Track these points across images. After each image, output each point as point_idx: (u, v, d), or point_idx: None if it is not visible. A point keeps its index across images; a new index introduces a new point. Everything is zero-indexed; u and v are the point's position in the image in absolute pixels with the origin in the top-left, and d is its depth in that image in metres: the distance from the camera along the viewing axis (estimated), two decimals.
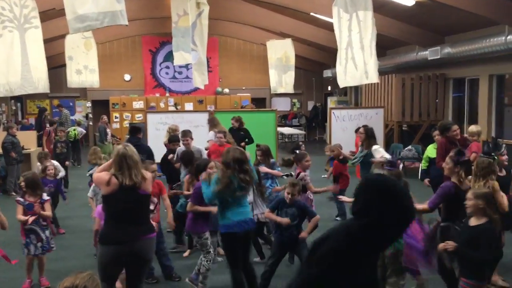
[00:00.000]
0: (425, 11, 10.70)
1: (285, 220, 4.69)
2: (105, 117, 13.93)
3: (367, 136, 7.19)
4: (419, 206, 4.26)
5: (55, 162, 8.20)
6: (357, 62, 8.90)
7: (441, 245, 3.81)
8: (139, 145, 7.68)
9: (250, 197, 5.06)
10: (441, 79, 12.97)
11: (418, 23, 12.07)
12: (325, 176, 8.90)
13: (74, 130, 14.79)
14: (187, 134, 7.38)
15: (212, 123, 8.85)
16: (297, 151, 6.14)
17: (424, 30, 12.36)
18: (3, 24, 7.63)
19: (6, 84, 7.74)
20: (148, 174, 4.06)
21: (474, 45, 10.27)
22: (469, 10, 9.23)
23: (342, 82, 9.06)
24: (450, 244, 3.75)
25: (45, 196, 5.42)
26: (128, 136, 8.65)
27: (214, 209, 4.89)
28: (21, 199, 5.33)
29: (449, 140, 6.42)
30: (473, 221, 3.78)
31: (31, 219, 5.20)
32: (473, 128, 6.80)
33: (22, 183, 5.46)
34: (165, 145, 8.47)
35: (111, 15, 5.28)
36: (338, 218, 7.74)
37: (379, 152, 6.96)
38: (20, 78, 7.75)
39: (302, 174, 5.90)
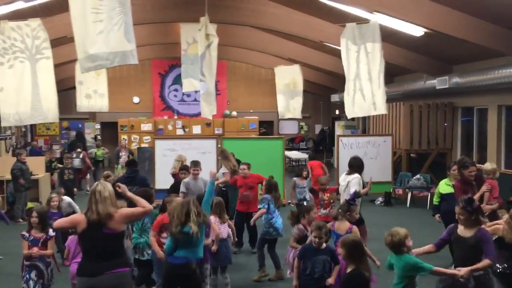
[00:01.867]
0: (433, 41, 10.73)
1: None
2: (122, 141, 14.13)
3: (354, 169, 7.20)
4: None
5: (68, 199, 8.07)
6: (365, 93, 8.92)
7: None
8: (134, 176, 7.89)
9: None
10: (449, 107, 12.94)
11: (426, 52, 12.09)
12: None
13: (99, 150, 15.02)
14: (197, 164, 7.50)
15: (224, 156, 8.86)
16: (304, 203, 6.01)
17: (432, 59, 12.38)
18: (14, 55, 7.75)
19: (15, 114, 7.83)
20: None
21: (482, 76, 10.25)
22: (476, 42, 9.24)
23: (350, 113, 9.06)
24: None
25: (51, 232, 5.36)
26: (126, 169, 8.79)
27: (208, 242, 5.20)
28: (26, 234, 5.28)
29: (464, 181, 6.34)
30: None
31: (35, 250, 5.15)
32: (488, 166, 6.77)
33: (35, 219, 5.30)
34: (173, 175, 8.49)
35: (121, 54, 5.34)
36: None
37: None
38: (30, 108, 7.84)
39: (299, 226, 5.61)
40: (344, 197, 6.87)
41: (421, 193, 12.16)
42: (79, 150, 13.72)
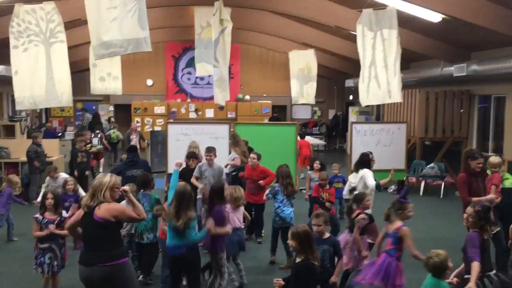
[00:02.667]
0: (452, 27, 10.51)
1: None
2: (133, 124, 14.14)
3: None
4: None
5: (64, 174, 8.35)
6: (380, 81, 8.80)
7: None
8: (136, 160, 7.87)
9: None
10: (466, 95, 12.73)
11: (444, 38, 11.86)
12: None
13: (114, 132, 15.07)
14: (211, 150, 7.45)
15: (234, 140, 8.83)
16: (356, 191, 5.91)
17: (450, 45, 12.14)
18: (29, 38, 7.76)
19: (30, 97, 7.86)
20: (109, 205, 4.05)
21: (501, 64, 10.02)
22: (495, 29, 9.03)
23: (364, 101, 8.96)
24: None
25: (64, 214, 5.43)
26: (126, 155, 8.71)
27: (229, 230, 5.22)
28: (40, 217, 5.32)
29: (470, 172, 6.19)
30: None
31: (47, 231, 5.22)
32: (494, 159, 6.61)
33: (50, 200, 5.35)
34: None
35: (135, 42, 5.30)
36: None
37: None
38: (44, 92, 7.87)
39: (361, 216, 5.53)
40: (359, 190, 6.75)
41: (434, 182, 12.05)
42: (97, 131, 13.79)
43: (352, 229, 5.52)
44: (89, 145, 11.94)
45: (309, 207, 8.15)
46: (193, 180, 7.21)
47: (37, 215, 5.36)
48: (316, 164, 8.81)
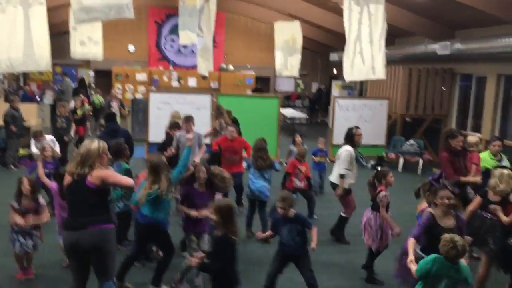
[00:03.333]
0: (437, 4, 10.48)
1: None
2: (114, 91, 13.88)
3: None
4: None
5: (50, 137, 8.23)
6: (364, 56, 8.74)
7: None
8: (117, 129, 7.75)
9: None
10: (448, 73, 12.80)
11: (429, 15, 11.84)
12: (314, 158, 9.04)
13: (97, 97, 14.78)
14: (189, 119, 7.40)
15: (218, 112, 8.76)
16: (379, 168, 5.86)
17: (435, 22, 12.13)
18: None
19: (7, 60, 7.59)
20: (101, 172, 4.04)
21: (484, 44, 10.09)
22: (480, 9, 9.05)
23: (348, 76, 8.91)
24: None
25: (42, 201, 5.31)
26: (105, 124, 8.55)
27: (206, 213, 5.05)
28: (15, 204, 5.17)
29: (451, 151, 6.24)
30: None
31: (31, 221, 5.17)
32: (472, 139, 6.72)
33: (28, 187, 5.18)
34: (167, 132, 8.40)
35: (117, 8, 5.15)
36: None
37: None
38: (22, 55, 7.59)
39: (383, 193, 5.43)
40: (335, 170, 6.74)
41: (413, 158, 12.20)
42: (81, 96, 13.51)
43: (374, 207, 5.50)
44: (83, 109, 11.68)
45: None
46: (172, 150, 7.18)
47: (14, 204, 5.21)
48: (298, 138, 8.86)
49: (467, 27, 11.46)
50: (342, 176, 6.54)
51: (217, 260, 3.82)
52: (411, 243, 4.20)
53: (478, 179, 6.08)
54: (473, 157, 6.36)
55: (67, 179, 4.11)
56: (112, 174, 4.17)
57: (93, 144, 4.12)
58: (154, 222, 4.78)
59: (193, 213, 5.11)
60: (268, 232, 4.93)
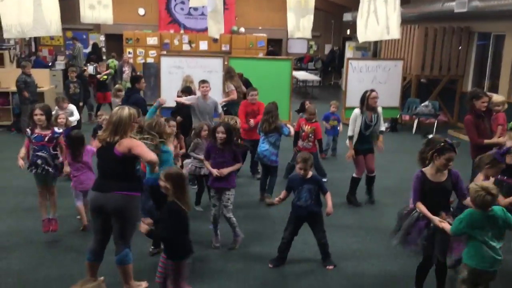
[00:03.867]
0: None
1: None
2: (125, 55, 13.80)
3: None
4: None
5: (72, 106, 8.24)
6: (379, 16, 8.52)
7: None
8: (129, 96, 7.76)
9: None
10: (465, 32, 12.47)
11: None
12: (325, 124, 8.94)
13: (112, 61, 14.75)
14: (206, 81, 7.48)
15: (229, 75, 8.67)
16: (429, 136, 5.66)
17: None
18: None
19: (18, 25, 7.55)
20: (130, 142, 4.03)
21: (504, 0, 9.75)
22: None
23: (362, 37, 8.72)
24: None
25: (57, 129, 5.27)
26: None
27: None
28: (28, 131, 5.19)
29: (476, 113, 6.04)
30: None
31: (20, 160, 5.21)
32: (497, 98, 6.48)
33: (41, 117, 5.11)
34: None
35: None
36: None
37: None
38: (32, 20, 7.54)
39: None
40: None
41: (427, 120, 12.06)
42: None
43: None
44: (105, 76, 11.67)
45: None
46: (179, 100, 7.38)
47: (27, 130, 5.23)
48: (307, 104, 8.71)
49: None
50: (349, 138, 6.52)
51: (164, 228, 3.78)
52: (421, 207, 4.08)
53: (503, 140, 5.81)
54: (498, 118, 6.17)
55: (98, 144, 4.18)
56: (139, 145, 4.14)
57: (124, 111, 4.10)
58: (154, 182, 4.75)
59: (214, 171, 5.17)
60: (283, 193, 4.94)
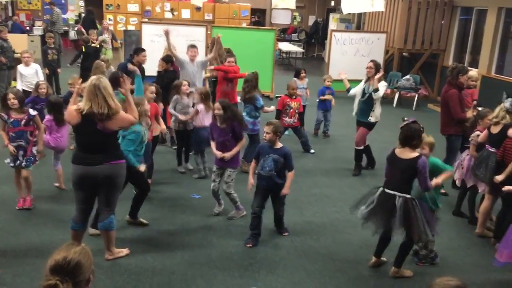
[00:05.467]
0: None
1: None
2: (104, 22, 13.46)
3: (376, 71, 6.67)
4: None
5: (36, 65, 8.27)
6: None
7: None
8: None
9: None
10: (449, 6, 12.50)
11: None
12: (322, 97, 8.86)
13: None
14: (195, 46, 7.76)
15: (214, 43, 8.63)
16: (479, 108, 5.68)
17: None
18: None
19: None
20: (120, 115, 3.99)
21: None
22: None
23: (346, 8, 8.74)
24: None
25: (32, 112, 5.26)
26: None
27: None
28: (5, 116, 5.18)
29: (459, 88, 6.00)
30: None
31: (10, 146, 5.18)
32: (474, 73, 6.58)
33: (14, 101, 5.14)
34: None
35: None
36: None
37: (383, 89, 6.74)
38: None
39: (476, 133, 5.31)
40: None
41: (408, 94, 12.18)
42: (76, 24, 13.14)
43: (468, 148, 5.48)
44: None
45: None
46: None
47: (3, 114, 5.21)
48: (303, 73, 8.72)
49: None
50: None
51: None
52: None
53: (471, 114, 5.97)
54: (473, 93, 6.30)
55: (76, 119, 4.00)
56: (124, 117, 4.14)
57: (104, 79, 4.04)
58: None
59: (218, 153, 5.18)
60: (252, 164, 4.91)
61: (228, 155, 5.14)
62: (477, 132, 5.30)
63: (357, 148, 7.01)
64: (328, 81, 8.83)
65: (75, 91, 4.99)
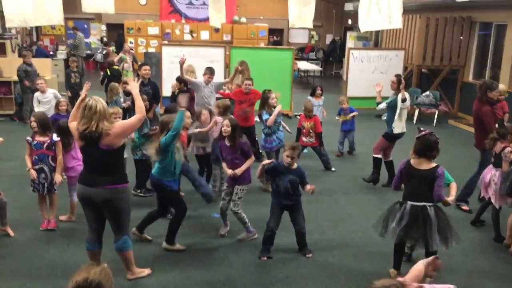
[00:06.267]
0: None
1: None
2: (126, 45, 13.79)
3: (399, 86, 6.82)
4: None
5: (53, 90, 8.44)
6: (381, 5, 8.51)
7: None
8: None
9: None
10: (467, 22, 12.44)
11: None
12: (338, 118, 8.87)
13: (113, 49, 14.78)
14: (212, 72, 7.74)
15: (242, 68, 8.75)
16: (505, 123, 5.75)
17: None
18: None
19: (20, 14, 7.57)
20: (115, 127, 3.99)
21: None
22: None
23: (363, 26, 8.72)
24: None
25: (55, 137, 5.34)
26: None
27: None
28: (30, 139, 5.31)
29: (490, 103, 6.01)
30: None
31: (32, 171, 5.25)
32: (502, 86, 6.64)
33: (34, 123, 5.29)
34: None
35: None
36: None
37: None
38: (33, 9, 7.57)
39: (508, 149, 5.31)
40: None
41: (428, 110, 12.08)
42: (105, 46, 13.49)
43: (497, 164, 5.44)
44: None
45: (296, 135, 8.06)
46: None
47: (28, 138, 5.35)
48: (318, 90, 8.79)
49: None
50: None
51: None
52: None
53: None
54: (504, 105, 6.34)
55: (78, 140, 4.10)
56: (125, 123, 4.18)
57: (101, 102, 4.03)
58: (160, 183, 4.84)
59: (228, 171, 5.19)
60: (262, 166, 4.89)
61: (238, 171, 5.13)
62: (509, 149, 5.27)
63: (373, 155, 7.10)
64: (344, 104, 8.76)
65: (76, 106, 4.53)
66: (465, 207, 6.17)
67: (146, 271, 4.50)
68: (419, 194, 4.14)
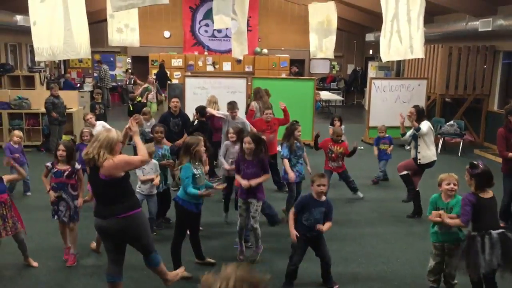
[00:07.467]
0: None
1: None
2: (150, 77, 14.09)
3: (418, 117, 6.86)
4: (451, 221, 4.36)
5: (102, 123, 8.46)
6: (402, 35, 8.54)
7: None
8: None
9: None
10: (490, 51, 12.36)
11: None
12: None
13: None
14: (234, 106, 7.74)
15: (258, 95, 8.84)
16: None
17: None
18: None
19: (49, 49, 7.84)
20: (113, 160, 3.95)
21: None
22: None
23: (385, 57, 8.73)
24: None
25: (77, 166, 5.36)
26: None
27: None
28: (49, 165, 5.32)
29: (508, 128, 6.23)
30: None
31: (51, 193, 5.26)
32: None
33: (63, 152, 5.25)
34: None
35: None
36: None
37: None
38: (62, 43, 7.81)
39: None
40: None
41: (453, 140, 11.91)
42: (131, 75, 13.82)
43: None
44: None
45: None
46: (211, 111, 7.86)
47: (48, 164, 5.37)
48: (336, 121, 8.81)
49: (509, 2, 11.00)
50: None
51: None
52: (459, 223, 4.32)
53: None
54: None
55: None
56: (125, 158, 4.13)
57: (110, 133, 4.10)
58: (185, 207, 4.84)
59: (243, 182, 5.19)
60: (292, 215, 4.76)
61: (254, 182, 5.12)
62: None
63: (399, 174, 7.09)
64: (381, 132, 8.83)
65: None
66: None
67: (180, 271, 4.68)
68: (496, 221, 4.30)
